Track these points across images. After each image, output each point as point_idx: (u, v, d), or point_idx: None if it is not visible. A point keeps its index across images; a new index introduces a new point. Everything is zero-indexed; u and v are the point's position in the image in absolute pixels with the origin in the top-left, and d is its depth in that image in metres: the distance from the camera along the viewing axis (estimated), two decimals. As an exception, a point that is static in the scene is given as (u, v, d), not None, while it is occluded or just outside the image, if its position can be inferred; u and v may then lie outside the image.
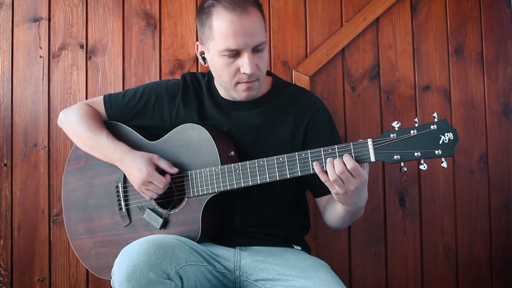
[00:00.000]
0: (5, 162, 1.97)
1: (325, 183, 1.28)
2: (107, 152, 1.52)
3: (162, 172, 1.47)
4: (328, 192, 1.38)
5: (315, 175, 1.29)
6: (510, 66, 2.04)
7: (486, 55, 2.03)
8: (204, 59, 1.49)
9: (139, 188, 1.48)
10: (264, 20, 1.43)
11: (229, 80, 1.42)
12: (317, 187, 1.51)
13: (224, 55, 1.38)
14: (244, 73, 1.38)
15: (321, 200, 1.54)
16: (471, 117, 2.01)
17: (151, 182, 1.45)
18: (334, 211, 1.44)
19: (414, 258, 1.98)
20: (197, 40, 1.98)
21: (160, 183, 1.44)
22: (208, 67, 1.50)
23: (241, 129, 1.52)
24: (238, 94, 1.45)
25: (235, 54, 1.37)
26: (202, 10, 1.41)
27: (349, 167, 1.23)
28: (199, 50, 1.50)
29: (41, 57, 1.99)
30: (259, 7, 1.41)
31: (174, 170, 1.47)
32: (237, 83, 1.42)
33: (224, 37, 1.35)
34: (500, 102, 2.02)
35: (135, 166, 1.46)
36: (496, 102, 2.03)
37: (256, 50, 1.38)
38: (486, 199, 2.00)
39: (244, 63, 1.37)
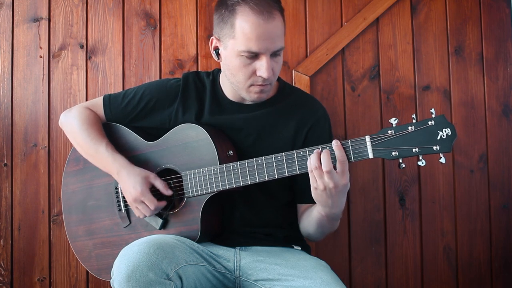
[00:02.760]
0: (5, 162, 1.97)
1: (310, 174, 1.27)
2: (106, 163, 1.52)
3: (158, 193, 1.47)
4: (311, 202, 1.38)
5: (307, 179, 1.29)
6: (510, 66, 2.04)
7: (486, 55, 2.03)
8: (218, 54, 1.46)
9: (131, 204, 1.49)
10: (285, 24, 1.42)
11: (243, 80, 1.41)
12: (304, 192, 1.47)
13: (243, 55, 1.37)
14: (260, 76, 1.38)
15: (301, 207, 1.54)
16: (471, 117, 2.01)
17: (142, 202, 1.45)
18: (310, 215, 1.44)
19: (414, 258, 1.97)
20: (198, 35, 2.00)
21: (151, 204, 1.44)
22: (219, 63, 1.49)
23: (242, 130, 1.51)
24: (249, 95, 1.45)
25: (254, 56, 1.36)
26: (225, 6, 1.38)
27: (337, 154, 1.24)
28: (213, 45, 1.46)
29: (41, 57, 1.99)
30: (282, 12, 1.39)
31: (169, 192, 1.47)
32: (251, 85, 1.42)
33: (247, 39, 1.34)
34: (500, 102, 2.02)
35: (130, 183, 1.46)
36: (496, 102, 2.02)
37: (274, 54, 1.38)
38: (486, 199, 2.00)
39: (262, 67, 1.36)
